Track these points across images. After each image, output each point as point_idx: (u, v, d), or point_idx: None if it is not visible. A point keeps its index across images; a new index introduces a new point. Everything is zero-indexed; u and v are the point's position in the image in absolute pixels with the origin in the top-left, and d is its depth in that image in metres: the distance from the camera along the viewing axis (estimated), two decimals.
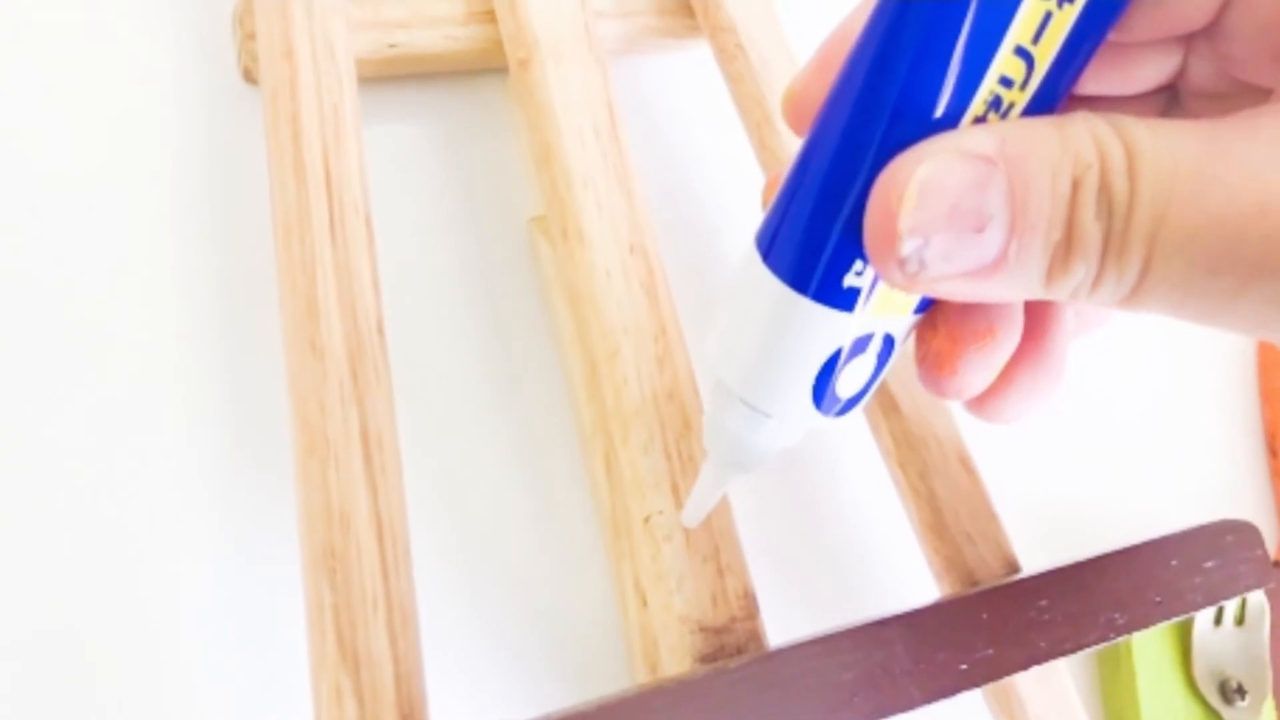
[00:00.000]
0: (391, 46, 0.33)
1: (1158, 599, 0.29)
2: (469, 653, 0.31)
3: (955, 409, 0.33)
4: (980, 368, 0.21)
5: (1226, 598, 0.30)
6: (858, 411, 0.23)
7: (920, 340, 0.22)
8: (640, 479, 0.30)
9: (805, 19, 0.38)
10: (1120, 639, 0.28)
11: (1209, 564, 0.30)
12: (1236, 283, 0.17)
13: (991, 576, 0.32)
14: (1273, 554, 0.41)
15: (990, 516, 0.33)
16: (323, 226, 0.29)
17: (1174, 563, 0.30)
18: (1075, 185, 0.17)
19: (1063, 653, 0.28)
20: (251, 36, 0.32)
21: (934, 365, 0.21)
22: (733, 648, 0.29)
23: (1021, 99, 0.18)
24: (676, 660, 0.29)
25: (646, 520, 0.30)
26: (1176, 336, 0.44)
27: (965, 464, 0.33)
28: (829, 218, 0.19)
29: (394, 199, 0.34)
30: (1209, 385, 0.43)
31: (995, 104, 0.18)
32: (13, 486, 0.29)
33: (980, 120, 0.18)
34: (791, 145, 0.35)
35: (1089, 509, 0.39)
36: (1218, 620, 0.35)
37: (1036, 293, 0.18)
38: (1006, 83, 0.17)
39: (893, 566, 0.35)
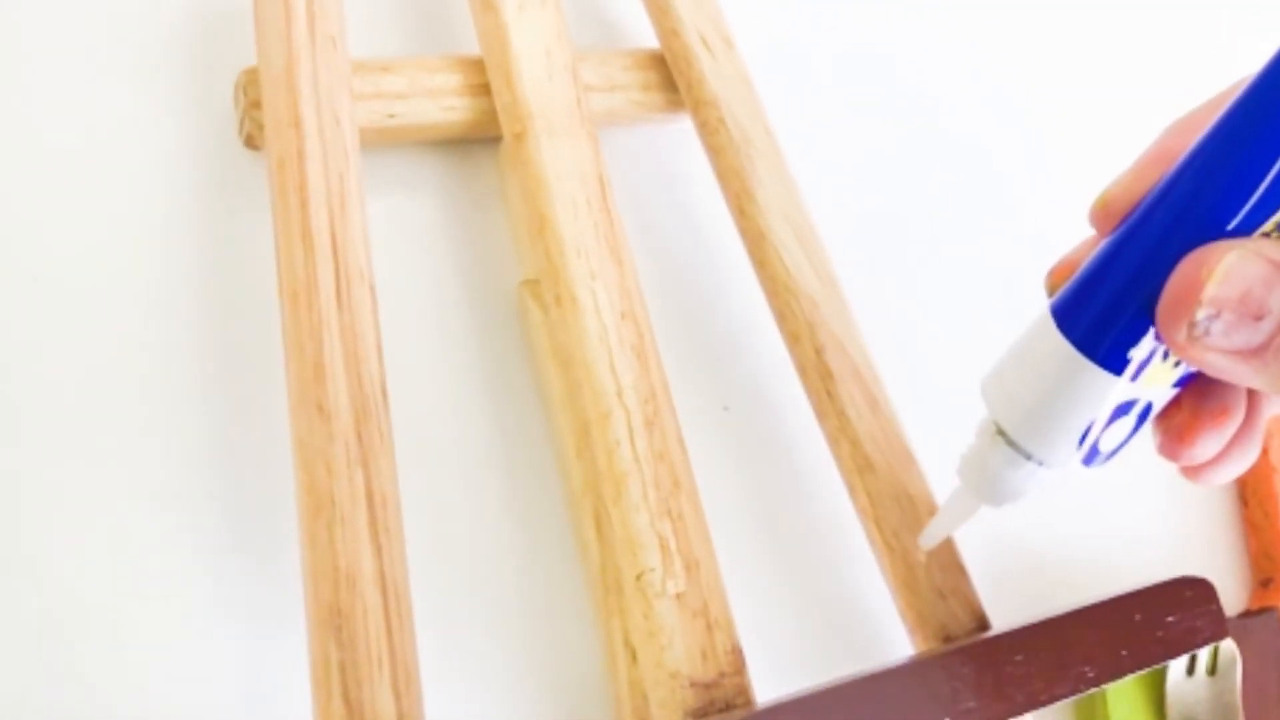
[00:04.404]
0: (391, 117, 0.34)
1: (1124, 652, 0.31)
2: (465, 709, 0.31)
3: (927, 468, 0.35)
4: (1212, 441, 0.26)
5: (1186, 650, 0.32)
6: (1110, 464, 0.27)
7: (1164, 416, 0.26)
8: (632, 537, 0.31)
9: (784, 95, 0.40)
10: (1092, 690, 0.30)
11: (1170, 618, 0.32)
12: None
13: (962, 630, 0.33)
14: (1246, 603, 0.43)
15: (960, 572, 0.34)
16: (329, 292, 0.29)
17: (1138, 617, 0.32)
18: None
19: (1038, 704, 0.29)
20: (256, 104, 0.32)
21: (1176, 437, 0.26)
22: (721, 702, 0.30)
23: None
24: (667, 716, 0.29)
25: (639, 577, 0.31)
26: None
27: None
28: (1130, 297, 0.23)
29: (388, 262, 0.35)
30: None
31: None
32: (15, 555, 0.29)
33: (1266, 236, 0.22)
34: (770, 215, 0.36)
35: (1060, 560, 0.41)
36: (1190, 670, 0.37)
37: (1271, 388, 0.22)
38: None
39: (869, 622, 0.37)
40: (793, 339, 0.36)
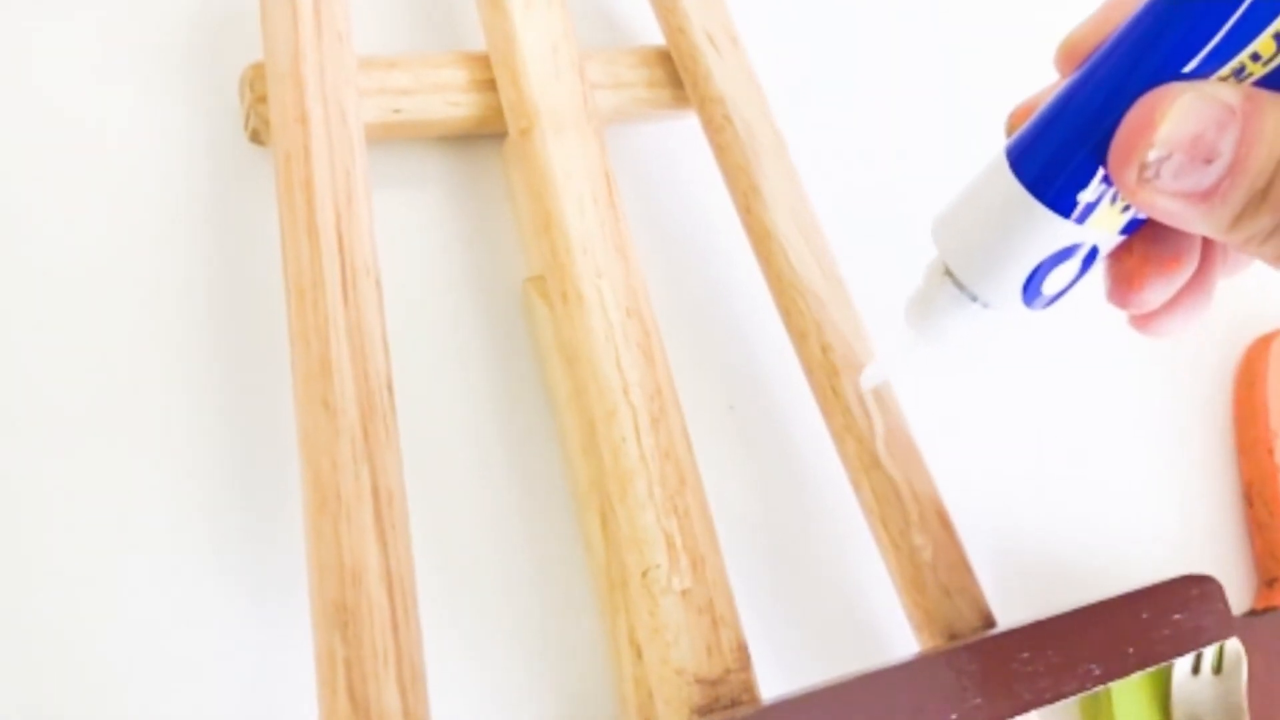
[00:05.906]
0: (396, 112, 0.34)
1: (1130, 650, 0.31)
2: (470, 705, 0.31)
3: (933, 467, 0.35)
4: (1161, 289, 0.26)
5: (1192, 649, 0.32)
6: (1052, 309, 0.27)
7: (1115, 260, 0.26)
8: (637, 535, 0.31)
9: (789, 92, 0.40)
10: (1098, 688, 0.30)
11: (1177, 616, 0.32)
12: None
13: (968, 629, 0.33)
14: (1251, 603, 0.43)
15: (966, 570, 0.34)
16: (335, 288, 0.29)
17: (1144, 615, 0.32)
18: None
19: (1044, 702, 0.29)
20: (262, 99, 0.32)
21: (1124, 282, 0.26)
22: (727, 699, 0.30)
23: (1260, 72, 0.21)
24: (673, 713, 0.29)
25: (645, 574, 0.31)
26: (1153, 389, 0.46)
27: (943, 519, 0.35)
28: (1082, 139, 0.23)
29: (393, 258, 0.35)
30: (1185, 437, 0.45)
31: (1239, 71, 0.21)
32: (19, 548, 0.29)
33: (1223, 80, 0.22)
34: (776, 212, 0.36)
35: (1066, 559, 0.41)
36: (1196, 669, 0.37)
37: (1218, 232, 0.22)
38: (1255, 58, 0.21)
39: (874, 619, 0.36)
40: (799, 336, 0.36)
